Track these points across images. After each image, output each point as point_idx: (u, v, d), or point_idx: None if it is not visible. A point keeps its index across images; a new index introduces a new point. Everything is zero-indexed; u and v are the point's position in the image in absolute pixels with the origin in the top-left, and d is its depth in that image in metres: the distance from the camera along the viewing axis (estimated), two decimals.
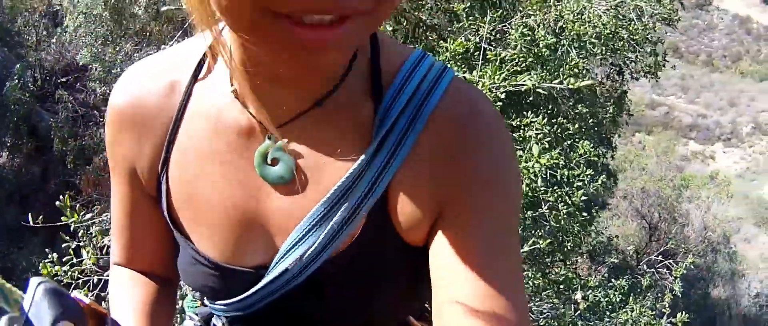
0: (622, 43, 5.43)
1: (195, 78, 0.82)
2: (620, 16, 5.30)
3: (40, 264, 3.09)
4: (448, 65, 0.86)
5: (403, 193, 0.77)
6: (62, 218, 3.11)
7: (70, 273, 3.07)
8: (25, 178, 8.27)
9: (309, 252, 0.78)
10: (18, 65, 8.16)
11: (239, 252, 0.83)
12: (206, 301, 0.94)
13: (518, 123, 3.96)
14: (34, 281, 0.63)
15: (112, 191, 0.94)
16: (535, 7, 4.95)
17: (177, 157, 0.83)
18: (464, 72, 3.35)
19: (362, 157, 0.75)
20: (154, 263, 0.97)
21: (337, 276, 0.81)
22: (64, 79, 8.23)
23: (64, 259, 3.13)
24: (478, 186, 0.75)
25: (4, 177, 8.43)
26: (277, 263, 0.80)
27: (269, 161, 0.77)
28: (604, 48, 5.27)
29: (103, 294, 3.04)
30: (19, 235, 8.17)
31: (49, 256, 3.12)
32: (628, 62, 7.00)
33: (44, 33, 8.67)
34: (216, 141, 0.80)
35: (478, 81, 3.17)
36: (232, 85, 0.77)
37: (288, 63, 0.68)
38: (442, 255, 0.75)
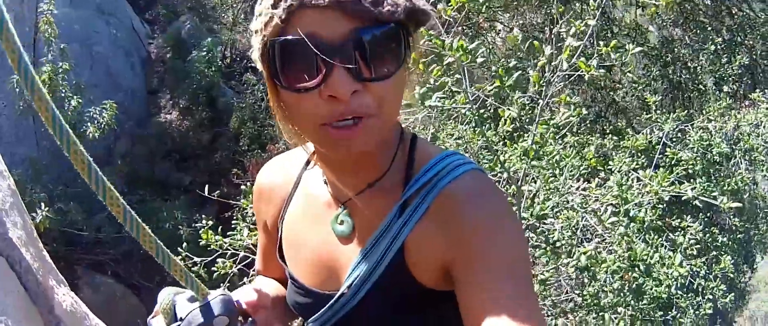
0: None
1: (304, 168, 1.30)
2: None
3: (202, 231, 3.44)
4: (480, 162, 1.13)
5: (417, 246, 1.09)
6: (242, 201, 3.51)
7: (220, 242, 3.44)
8: (190, 142, 8.72)
9: (355, 282, 1.13)
10: (208, 40, 8.71)
11: (319, 280, 1.23)
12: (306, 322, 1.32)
13: (677, 224, 3.97)
14: (217, 291, 1.13)
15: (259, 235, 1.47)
16: (716, 113, 4.93)
17: (288, 217, 1.30)
18: (638, 168, 3.47)
19: (386, 220, 1.11)
20: (277, 277, 1.46)
21: (376, 306, 1.14)
22: (254, 64, 8.58)
23: (219, 228, 3.51)
24: (477, 238, 1.01)
25: (168, 134, 8.93)
26: (341, 289, 1.16)
27: (339, 222, 1.18)
28: None
29: (246, 269, 3.41)
30: (166, 189, 8.71)
31: (204, 222, 3.48)
32: None
33: (242, 16, 9.24)
34: (311, 208, 1.25)
35: (647, 183, 3.28)
36: (323, 175, 1.22)
37: (343, 157, 1.06)
38: (461, 293, 1.01)
